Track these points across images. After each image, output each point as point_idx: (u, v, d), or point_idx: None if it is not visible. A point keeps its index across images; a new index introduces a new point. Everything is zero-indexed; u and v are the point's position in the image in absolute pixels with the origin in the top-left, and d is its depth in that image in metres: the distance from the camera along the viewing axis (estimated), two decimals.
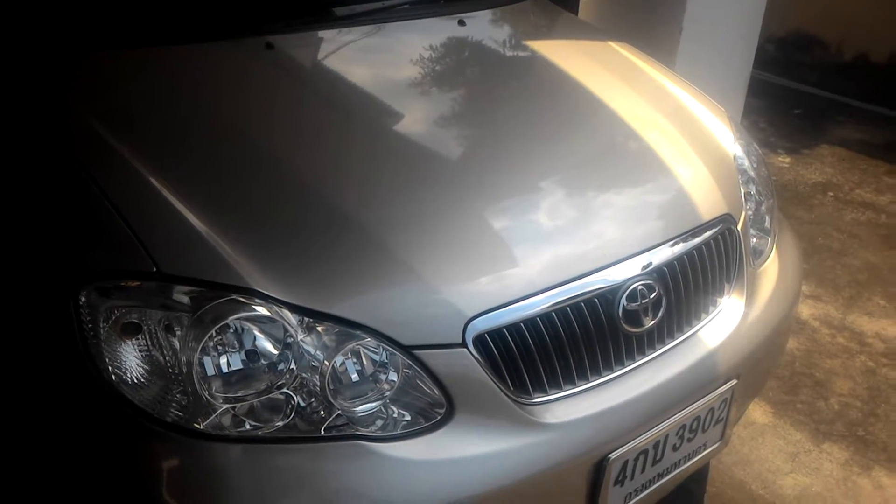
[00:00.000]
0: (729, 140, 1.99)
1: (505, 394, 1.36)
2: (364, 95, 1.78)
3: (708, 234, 1.67)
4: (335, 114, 1.69)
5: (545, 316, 1.40)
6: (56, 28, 1.71)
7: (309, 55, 1.88)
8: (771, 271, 1.88)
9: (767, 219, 1.94)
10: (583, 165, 1.72)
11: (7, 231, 1.44)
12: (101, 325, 1.26)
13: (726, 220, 1.73)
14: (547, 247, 1.49)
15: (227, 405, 1.27)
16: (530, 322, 1.38)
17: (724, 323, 1.68)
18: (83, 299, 1.27)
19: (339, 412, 1.30)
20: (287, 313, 1.28)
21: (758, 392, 2.01)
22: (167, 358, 1.27)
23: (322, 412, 1.30)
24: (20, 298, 1.38)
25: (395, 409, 1.32)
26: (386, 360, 1.33)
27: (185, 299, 1.27)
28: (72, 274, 1.30)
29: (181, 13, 1.84)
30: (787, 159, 4.37)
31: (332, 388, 1.30)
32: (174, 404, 1.26)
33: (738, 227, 1.76)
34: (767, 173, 2.07)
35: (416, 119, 1.77)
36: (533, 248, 1.47)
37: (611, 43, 2.33)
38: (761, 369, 1.85)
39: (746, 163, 1.98)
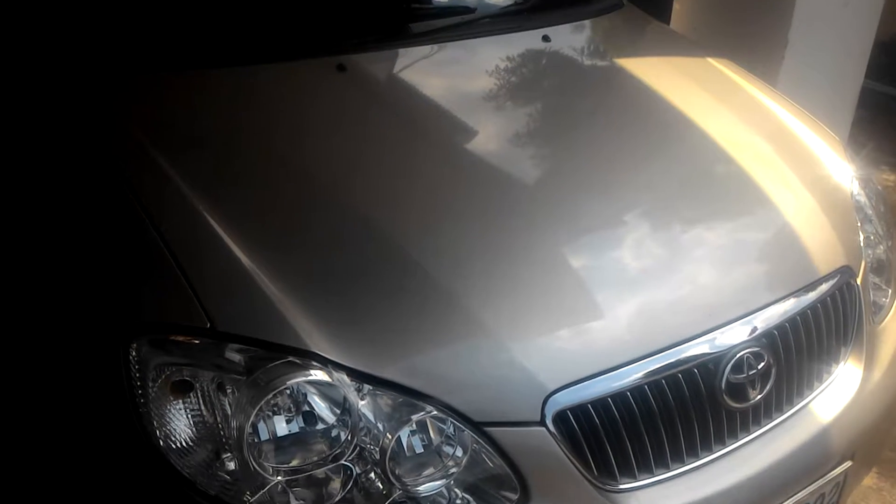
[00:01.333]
0: (846, 176, 1.76)
1: (588, 479, 1.20)
2: (443, 125, 1.64)
3: (824, 289, 1.47)
4: (411, 146, 1.55)
5: (636, 389, 1.23)
6: (113, 48, 1.62)
7: (384, 78, 1.74)
8: (892, 328, 1.65)
9: (887, 265, 1.72)
10: (680, 206, 1.53)
11: (56, 269, 1.36)
12: (149, 384, 1.16)
13: (845, 273, 1.52)
14: (640, 305, 1.32)
15: (279, 477, 1.15)
16: (619, 396, 1.22)
17: (838, 393, 1.48)
18: (133, 353, 1.18)
19: (400, 490, 1.16)
20: (346, 379, 1.16)
21: (872, 467, 1.78)
22: (219, 420, 1.16)
23: (381, 486, 1.17)
24: (65, 346, 1.30)
25: (459, 491, 1.18)
26: (452, 434, 1.19)
27: (240, 359, 1.16)
28: (123, 323, 1.20)
29: (244, 31, 1.72)
30: (892, 177, 4.02)
31: (392, 460, 1.17)
32: (221, 474, 1.15)
33: (858, 281, 1.55)
34: (886, 211, 1.83)
35: (498, 150, 1.62)
36: (624, 307, 1.31)
37: (709, 59, 2.12)
38: (877, 442, 1.63)
39: (864, 200, 1.75)
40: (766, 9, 2.51)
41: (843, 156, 1.84)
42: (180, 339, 1.18)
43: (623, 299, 1.32)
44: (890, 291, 1.70)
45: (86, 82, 1.55)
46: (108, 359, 1.19)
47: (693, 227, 1.49)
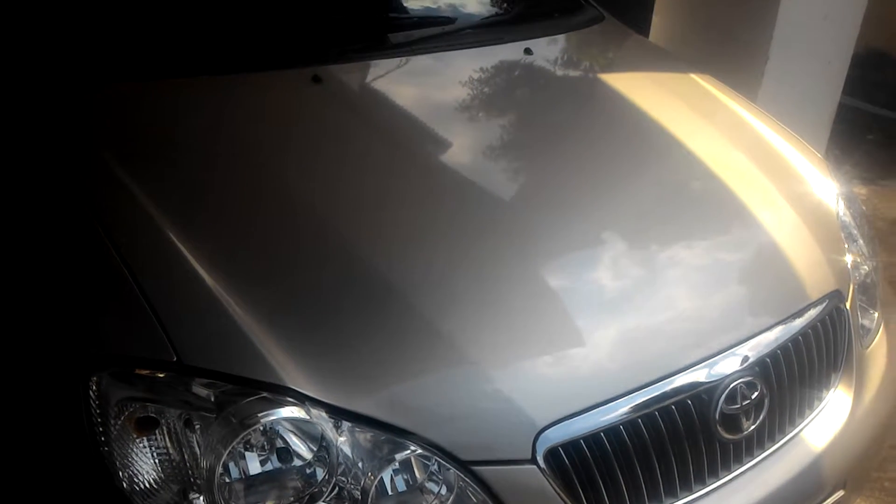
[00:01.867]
0: (832, 196, 1.74)
1: None
2: (422, 140, 1.57)
3: (815, 315, 1.43)
4: (390, 163, 1.48)
5: (629, 422, 1.18)
6: (78, 55, 1.52)
7: (361, 91, 1.67)
8: (879, 352, 1.63)
9: (872, 287, 1.69)
10: (667, 228, 1.47)
11: (12, 294, 1.26)
12: (111, 421, 1.08)
13: (834, 297, 1.49)
14: (630, 335, 1.26)
15: None
16: (611, 430, 1.17)
17: (829, 421, 1.44)
18: (94, 387, 1.09)
19: None
20: (324, 415, 1.09)
21: (862, 492, 1.75)
22: (187, 458, 1.08)
23: None
24: (22, 380, 1.21)
25: None
26: (437, 471, 1.12)
27: (209, 394, 1.08)
28: (82, 355, 1.11)
29: (216, 40, 1.63)
30: (863, 191, 4.04)
31: (373, 500, 1.10)
32: None
33: (847, 305, 1.52)
34: (870, 232, 1.81)
35: (479, 167, 1.56)
36: (613, 337, 1.25)
37: (692, 75, 2.09)
38: (867, 468, 1.60)
39: (849, 220, 1.73)
40: (747, 24, 2.50)
41: (828, 175, 1.81)
42: (144, 373, 1.09)
43: (612, 329, 1.26)
44: (876, 314, 1.67)
45: (46, 91, 1.46)
46: (67, 394, 1.11)
47: (682, 252, 1.44)
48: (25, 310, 1.22)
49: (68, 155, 1.36)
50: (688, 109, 1.89)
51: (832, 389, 1.47)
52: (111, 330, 1.14)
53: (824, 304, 1.46)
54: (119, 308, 1.14)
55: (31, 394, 1.19)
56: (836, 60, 2.71)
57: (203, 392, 1.08)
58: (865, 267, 1.70)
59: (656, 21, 2.87)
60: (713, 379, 1.25)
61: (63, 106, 1.45)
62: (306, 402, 1.08)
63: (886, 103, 5.14)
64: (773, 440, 1.36)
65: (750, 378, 1.28)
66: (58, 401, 1.13)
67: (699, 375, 1.24)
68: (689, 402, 1.23)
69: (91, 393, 1.10)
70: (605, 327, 1.26)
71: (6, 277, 1.27)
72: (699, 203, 1.59)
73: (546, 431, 1.12)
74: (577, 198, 1.50)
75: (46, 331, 1.18)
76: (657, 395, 1.20)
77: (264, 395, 1.07)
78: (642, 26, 2.89)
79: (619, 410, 1.17)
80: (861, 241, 1.72)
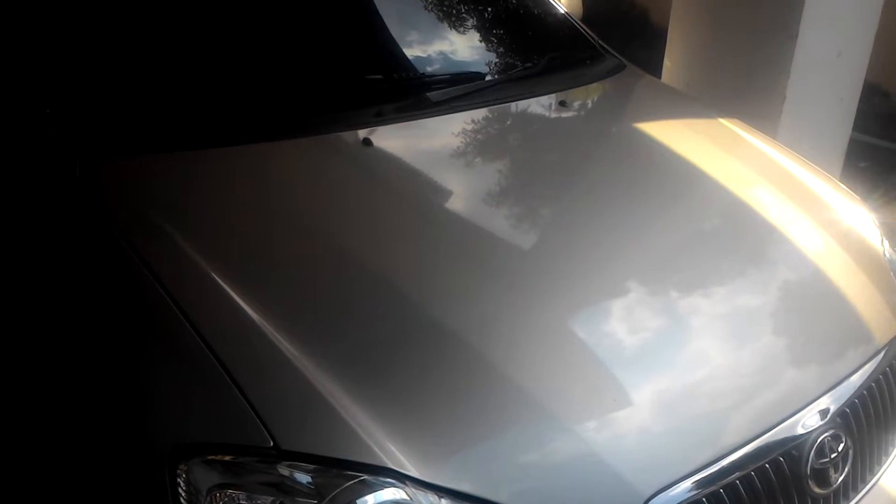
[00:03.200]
0: (876, 236, 1.75)
1: None
2: (476, 196, 1.57)
3: (884, 359, 1.43)
4: (443, 221, 1.47)
5: (728, 485, 1.16)
6: (145, 125, 1.53)
7: (411, 151, 1.66)
8: None
9: None
10: (733, 281, 1.48)
11: (88, 382, 1.22)
12: None
13: None
14: (718, 394, 1.25)
15: None
16: (713, 494, 1.15)
17: None
18: (183, 475, 1.06)
19: None
20: (425, 494, 1.06)
21: None
22: None
23: None
24: (104, 470, 1.17)
25: None
26: None
27: (308, 480, 1.04)
28: (169, 443, 1.08)
29: (262, 105, 1.63)
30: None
31: None
32: None
33: None
34: None
35: (538, 221, 1.56)
36: (702, 398, 1.24)
37: (721, 120, 2.11)
38: None
39: (895, 257, 1.75)
40: (764, 64, 2.54)
41: (870, 215, 1.83)
42: (238, 459, 1.06)
43: (700, 389, 1.25)
44: None
45: (106, 162, 1.44)
46: (153, 484, 1.07)
47: (755, 305, 1.43)
48: (107, 397, 1.19)
49: (131, 232, 1.33)
50: (728, 156, 1.90)
51: None
52: (199, 415, 1.10)
53: (887, 349, 1.46)
54: (206, 391, 1.11)
55: (115, 481, 1.15)
56: (848, 95, 2.77)
57: (303, 478, 1.05)
58: None
59: (668, 65, 2.92)
60: (801, 434, 1.24)
61: (123, 177, 1.43)
62: (406, 482, 1.05)
63: (876, 132, 5.23)
64: (856, 490, 1.35)
65: (834, 430, 1.27)
66: (144, 491, 1.09)
67: (788, 432, 1.23)
68: (781, 459, 1.22)
69: (180, 482, 1.06)
70: (690, 387, 1.24)
71: (85, 363, 1.24)
72: (762, 259, 1.57)
73: (653, 500, 1.10)
74: (630, 247, 1.50)
75: (129, 418, 1.15)
76: (752, 454, 1.19)
77: (364, 477, 1.04)
78: (652, 71, 2.93)
79: (719, 471, 1.15)
80: None
